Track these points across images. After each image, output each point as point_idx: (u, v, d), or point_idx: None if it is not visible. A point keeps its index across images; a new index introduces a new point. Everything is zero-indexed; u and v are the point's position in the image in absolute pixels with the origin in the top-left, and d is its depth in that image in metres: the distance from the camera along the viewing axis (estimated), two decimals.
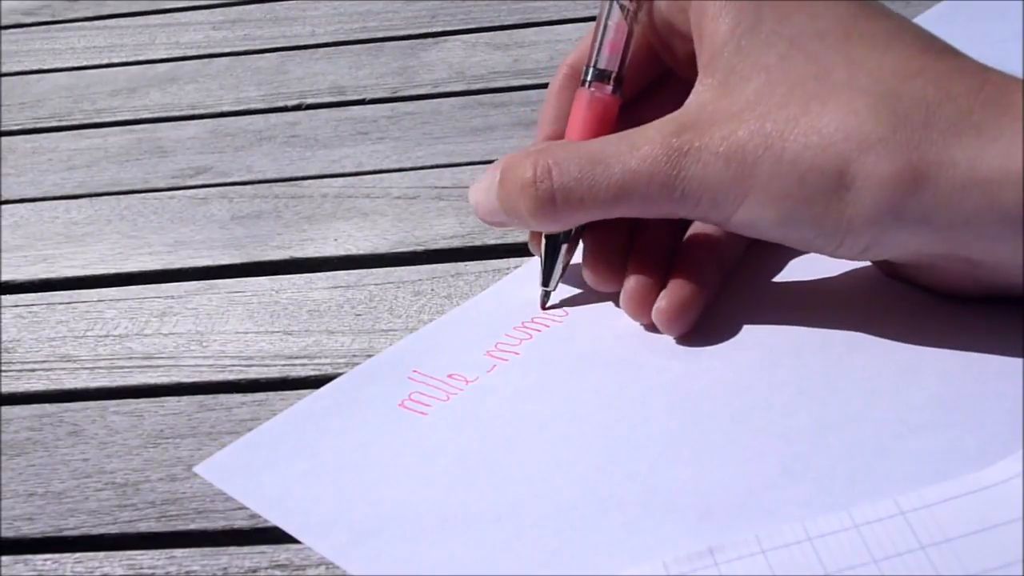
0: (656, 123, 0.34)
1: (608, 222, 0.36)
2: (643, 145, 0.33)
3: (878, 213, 0.30)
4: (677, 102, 0.35)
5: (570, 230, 0.38)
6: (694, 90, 0.34)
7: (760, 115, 0.32)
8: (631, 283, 0.37)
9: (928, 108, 0.30)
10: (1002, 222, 0.29)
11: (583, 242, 0.38)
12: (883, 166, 0.30)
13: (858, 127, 0.30)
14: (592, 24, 0.38)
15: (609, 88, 0.37)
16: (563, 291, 0.40)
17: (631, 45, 0.37)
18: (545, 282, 0.39)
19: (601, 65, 0.37)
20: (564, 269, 0.39)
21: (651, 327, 0.37)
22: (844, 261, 0.37)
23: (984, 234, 0.30)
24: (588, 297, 0.39)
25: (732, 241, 0.38)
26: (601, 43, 0.37)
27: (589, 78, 0.38)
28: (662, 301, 0.36)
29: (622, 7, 0.37)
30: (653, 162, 0.33)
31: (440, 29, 0.64)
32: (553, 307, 0.39)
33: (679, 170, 0.33)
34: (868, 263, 0.37)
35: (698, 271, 0.37)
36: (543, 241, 0.38)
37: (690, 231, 0.38)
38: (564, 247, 0.38)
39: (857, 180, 0.30)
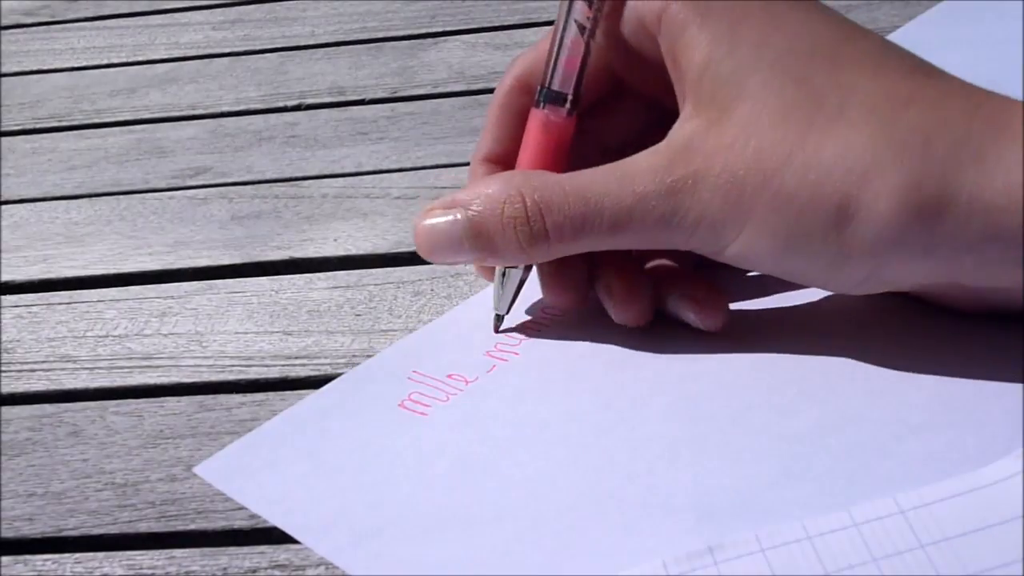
0: (645, 157, 0.33)
1: None
2: (637, 182, 0.32)
3: (880, 246, 0.30)
4: (633, 119, 0.35)
5: None
6: (679, 120, 0.33)
7: (755, 148, 0.31)
8: (615, 286, 0.36)
9: (926, 136, 0.29)
10: (1007, 249, 0.29)
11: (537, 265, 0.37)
12: (884, 200, 0.29)
13: (857, 160, 0.30)
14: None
15: (564, 111, 0.35)
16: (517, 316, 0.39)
17: (587, 65, 0.35)
18: (499, 307, 0.38)
19: (556, 87, 0.35)
20: (518, 292, 0.37)
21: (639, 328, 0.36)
22: None
23: (988, 260, 0.30)
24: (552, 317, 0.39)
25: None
26: (556, 62, 0.35)
27: (543, 99, 0.35)
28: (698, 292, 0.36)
29: (579, 26, 0.35)
30: (648, 197, 0.32)
31: (440, 29, 0.64)
32: (507, 330, 0.38)
33: (675, 205, 0.32)
34: None
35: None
36: (497, 268, 0.37)
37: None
38: (520, 269, 0.37)
39: (859, 214, 0.30)
